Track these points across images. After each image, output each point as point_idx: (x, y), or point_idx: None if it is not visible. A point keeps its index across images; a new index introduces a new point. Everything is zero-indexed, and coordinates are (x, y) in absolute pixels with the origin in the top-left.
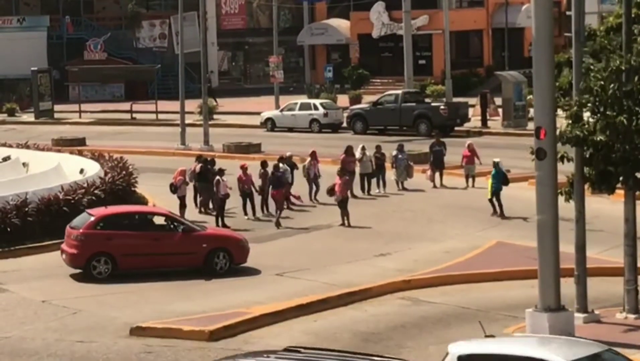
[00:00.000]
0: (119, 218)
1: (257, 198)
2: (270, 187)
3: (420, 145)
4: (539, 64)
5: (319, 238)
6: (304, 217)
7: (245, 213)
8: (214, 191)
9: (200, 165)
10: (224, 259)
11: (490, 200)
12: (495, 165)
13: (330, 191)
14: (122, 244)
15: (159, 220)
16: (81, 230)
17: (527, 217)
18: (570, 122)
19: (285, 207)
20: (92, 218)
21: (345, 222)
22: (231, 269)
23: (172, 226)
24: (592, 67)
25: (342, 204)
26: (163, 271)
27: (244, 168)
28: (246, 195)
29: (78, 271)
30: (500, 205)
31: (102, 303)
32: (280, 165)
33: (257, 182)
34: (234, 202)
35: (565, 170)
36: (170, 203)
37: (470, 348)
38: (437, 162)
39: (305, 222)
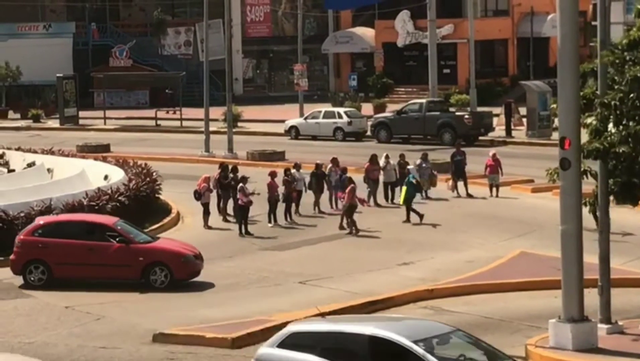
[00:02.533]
0: (60, 226)
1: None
2: (339, 189)
3: (444, 155)
4: (564, 74)
5: (341, 246)
6: (326, 225)
7: (270, 221)
8: (232, 198)
9: (219, 171)
10: (162, 274)
11: (407, 204)
12: (409, 171)
13: None
14: (56, 252)
15: (102, 230)
16: (20, 237)
17: (550, 227)
18: (591, 137)
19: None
20: (31, 226)
21: (349, 228)
22: (172, 284)
23: (112, 237)
24: (616, 78)
25: (349, 212)
26: (102, 282)
27: (273, 174)
28: (275, 201)
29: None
30: (410, 212)
31: (125, 310)
32: (294, 171)
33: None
34: (262, 209)
35: (591, 180)
36: (194, 210)
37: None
38: (458, 171)
39: (328, 229)
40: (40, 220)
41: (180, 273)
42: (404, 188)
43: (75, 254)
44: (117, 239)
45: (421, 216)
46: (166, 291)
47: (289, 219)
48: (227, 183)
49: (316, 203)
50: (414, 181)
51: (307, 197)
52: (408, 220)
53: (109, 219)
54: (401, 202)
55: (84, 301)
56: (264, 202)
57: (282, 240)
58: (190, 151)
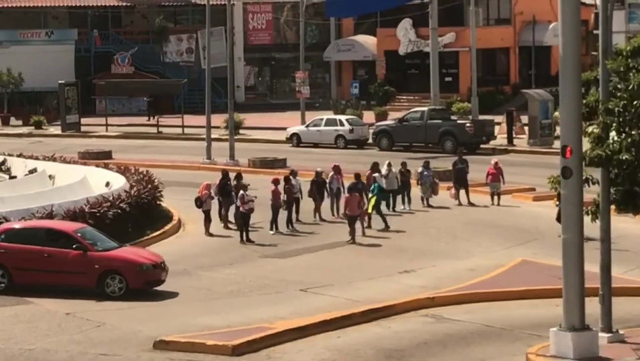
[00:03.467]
0: (22, 232)
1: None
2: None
3: (446, 163)
4: (566, 82)
5: (342, 254)
6: (327, 233)
7: (272, 228)
8: (234, 205)
9: (220, 178)
10: (119, 283)
11: (378, 213)
12: (375, 180)
13: None
14: (15, 258)
15: (61, 237)
16: None
17: (552, 235)
18: (593, 144)
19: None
20: None
21: (351, 238)
22: (129, 294)
23: (70, 244)
24: (619, 86)
25: (349, 221)
26: (62, 288)
27: (276, 182)
28: (277, 208)
29: None
30: (385, 217)
31: (126, 317)
32: (291, 178)
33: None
34: (263, 216)
35: (592, 189)
36: (195, 217)
37: None
38: (460, 180)
39: (329, 237)
40: (9, 225)
41: (136, 283)
42: (372, 197)
43: (33, 260)
44: (74, 246)
45: (368, 224)
46: (167, 299)
47: (290, 227)
48: (229, 189)
49: (317, 210)
50: (380, 187)
51: (307, 205)
52: (387, 227)
53: (69, 226)
54: (369, 210)
55: (84, 308)
56: (264, 209)
57: (283, 248)
58: (192, 158)
